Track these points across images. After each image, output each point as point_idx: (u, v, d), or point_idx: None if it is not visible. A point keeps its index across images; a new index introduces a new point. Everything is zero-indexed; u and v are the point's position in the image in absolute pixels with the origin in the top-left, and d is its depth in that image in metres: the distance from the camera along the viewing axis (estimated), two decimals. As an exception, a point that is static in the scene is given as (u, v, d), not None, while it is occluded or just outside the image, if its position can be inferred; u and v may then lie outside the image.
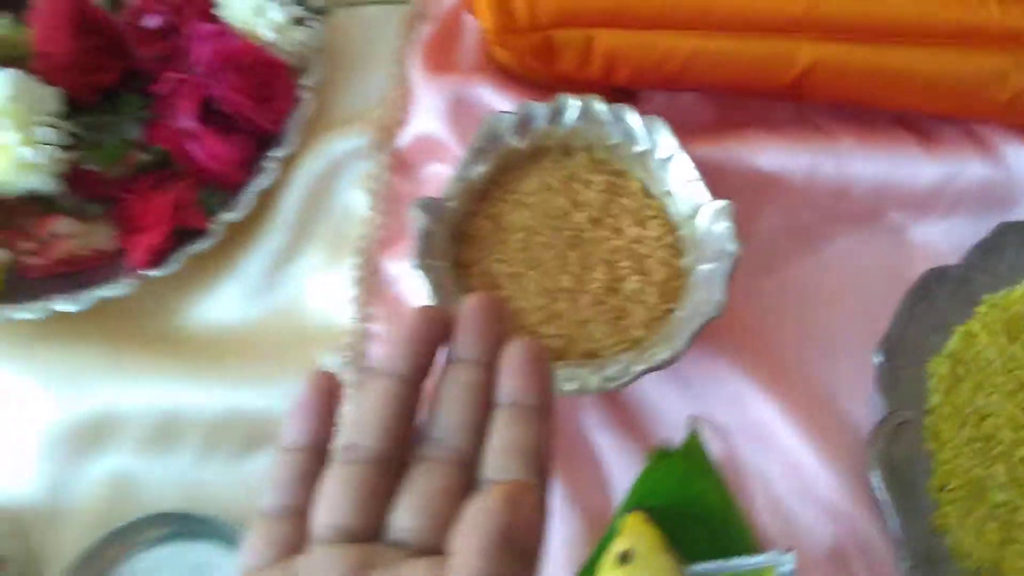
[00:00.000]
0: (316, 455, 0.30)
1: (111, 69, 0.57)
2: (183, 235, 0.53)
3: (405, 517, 0.27)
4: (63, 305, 0.52)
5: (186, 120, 0.54)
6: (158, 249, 0.53)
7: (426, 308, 0.31)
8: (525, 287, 0.51)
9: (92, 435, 0.51)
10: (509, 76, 0.57)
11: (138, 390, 0.52)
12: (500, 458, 0.28)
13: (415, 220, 0.51)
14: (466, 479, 0.28)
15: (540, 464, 0.28)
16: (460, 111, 0.56)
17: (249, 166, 0.56)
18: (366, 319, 0.53)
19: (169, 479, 0.51)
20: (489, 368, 0.30)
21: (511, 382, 0.29)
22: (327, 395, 0.30)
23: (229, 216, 0.54)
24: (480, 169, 0.53)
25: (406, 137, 0.58)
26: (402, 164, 0.57)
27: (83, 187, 0.54)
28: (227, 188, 0.55)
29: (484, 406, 0.29)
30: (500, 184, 0.54)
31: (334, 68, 0.59)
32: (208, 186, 0.55)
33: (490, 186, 0.54)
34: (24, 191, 0.53)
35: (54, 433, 0.51)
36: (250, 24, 0.56)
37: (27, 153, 0.51)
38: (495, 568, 0.25)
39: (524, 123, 0.54)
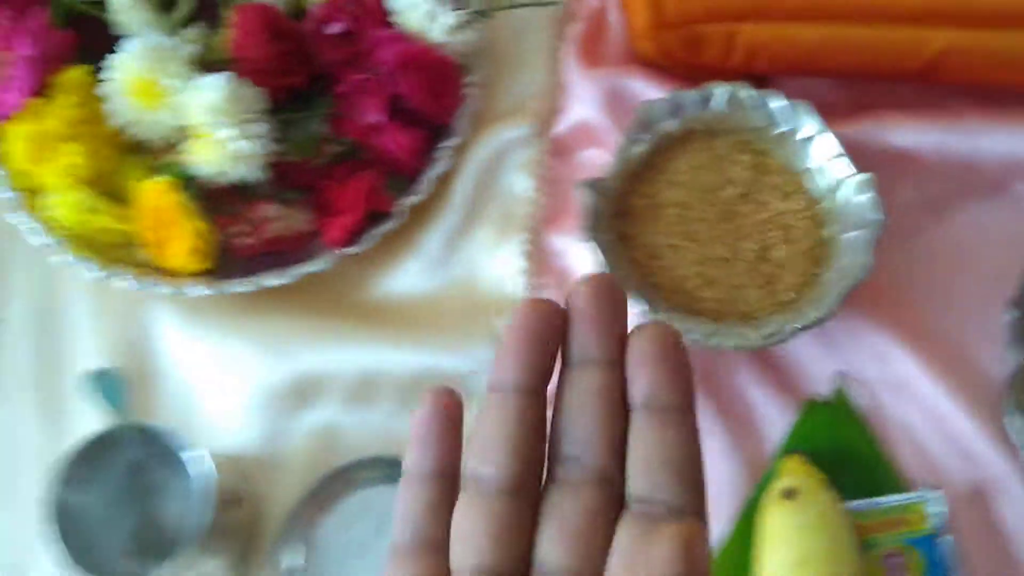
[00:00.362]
0: (446, 481, 0.27)
1: (299, 72, 0.64)
2: (372, 217, 0.60)
3: (554, 550, 0.24)
4: (272, 280, 0.59)
5: (374, 115, 0.61)
6: (353, 230, 0.60)
7: (535, 300, 0.26)
8: (683, 257, 0.57)
9: (301, 392, 0.59)
10: (654, 67, 0.63)
11: (339, 352, 0.59)
12: (650, 474, 0.25)
13: (582, 197, 0.57)
14: (612, 498, 0.25)
15: (694, 473, 0.25)
16: (613, 100, 0.62)
17: (426, 155, 0.62)
18: (536, 288, 0.60)
19: (369, 430, 0.58)
20: (616, 366, 0.26)
21: (645, 379, 0.25)
22: (449, 414, 0.27)
23: (411, 199, 0.61)
24: (637, 151, 0.59)
25: (563, 125, 0.64)
26: (561, 149, 0.63)
27: (285, 176, 0.61)
28: (408, 175, 0.62)
29: (619, 412, 0.25)
30: (654, 165, 0.60)
31: (495, 65, 0.65)
32: (391, 173, 0.62)
33: (645, 167, 0.59)
34: (235, 180, 0.60)
35: (269, 391, 0.59)
36: (423, 28, 0.62)
37: (241, 146, 0.58)
38: None
39: (675, 109, 0.59)
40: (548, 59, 0.66)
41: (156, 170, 0.62)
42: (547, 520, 0.25)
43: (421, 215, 0.62)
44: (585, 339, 0.26)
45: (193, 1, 0.66)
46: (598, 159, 0.62)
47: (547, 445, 0.26)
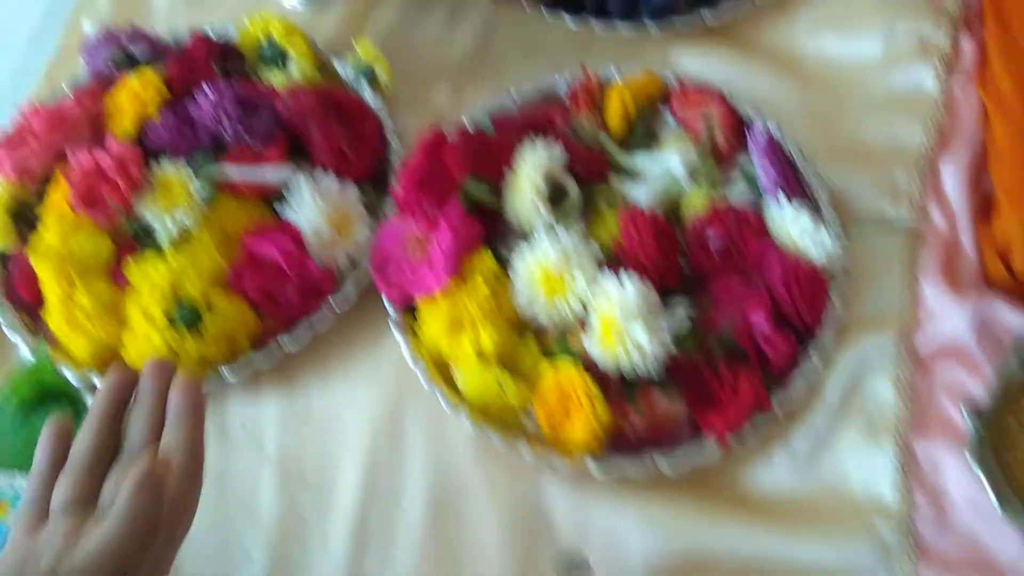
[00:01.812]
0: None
1: (676, 272, 0.71)
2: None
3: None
4: (664, 466, 0.65)
5: (758, 320, 0.67)
6: (736, 424, 0.65)
7: (117, 373, 0.54)
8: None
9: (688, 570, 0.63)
10: (1011, 291, 0.69)
11: (718, 539, 0.64)
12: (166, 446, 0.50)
13: (963, 418, 0.61)
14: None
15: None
16: (976, 322, 0.68)
17: (795, 357, 0.68)
18: (908, 494, 0.64)
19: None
20: (161, 397, 0.52)
21: (172, 403, 0.51)
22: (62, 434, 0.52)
23: (786, 399, 0.67)
24: (1014, 375, 0.64)
25: (923, 340, 0.69)
26: (922, 362, 0.68)
27: (679, 369, 0.67)
28: (779, 375, 0.68)
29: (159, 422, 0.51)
30: (1026, 389, 0.64)
31: (853, 277, 0.71)
32: (764, 372, 0.68)
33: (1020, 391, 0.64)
34: (630, 369, 0.66)
35: (656, 566, 0.63)
36: (799, 243, 0.69)
37: (645, 342, 0.65)
38: (138, 501, 0.46)
39: (1047, 340, 0.64)
40: (904, 275, 0.72)
41: (549, 352, 0.69)
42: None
43: (792, 413, 0.67)
44: (143, 387, 0.53)
45: (579, 197, 0.74)
46: (960, 375, 0.67)
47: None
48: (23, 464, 0.70)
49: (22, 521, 0.49)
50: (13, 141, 0.77)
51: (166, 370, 0.54)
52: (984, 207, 0.74)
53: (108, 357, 0.73)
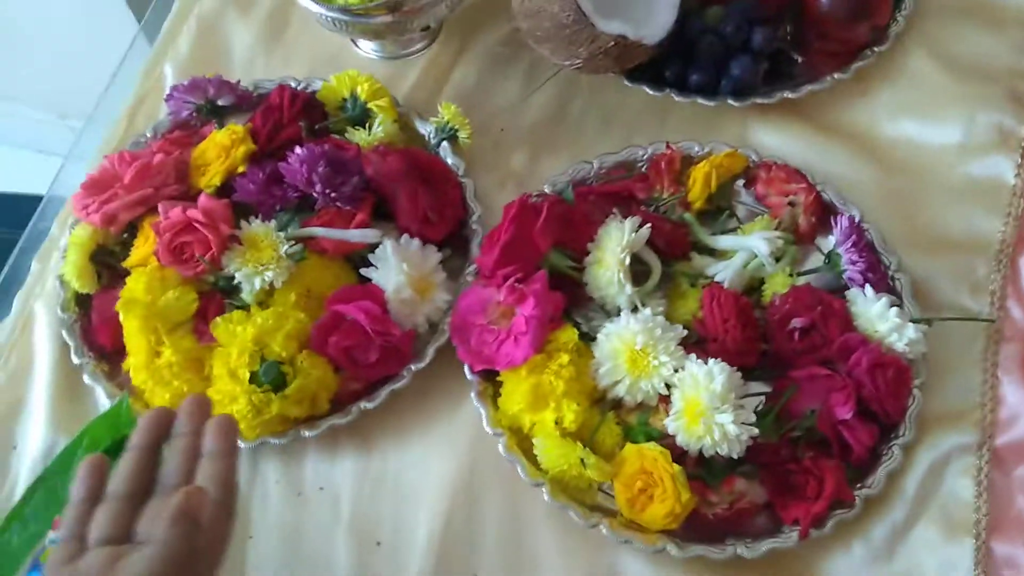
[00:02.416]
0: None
1: (754, 353, 0.72)
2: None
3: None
4: (743, 551, 0.65)
5: (843, 411, 0.67)
6: (819, 517, 0.66)
7: (157, 410, 0.56)
8: None
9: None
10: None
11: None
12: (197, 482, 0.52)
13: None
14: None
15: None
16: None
17: (876, 449, 0.69)
18: (987, 596, 0.64)
19: None
20: (197, 435, 0.54)
21: (207, 442, 0.53)
22: (99, 466, 0.54)
23: (866, 492, 0.67)
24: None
25: (1004, 439, 0.69)
26: (1001, 461, 0.69)
27: (756, 453, 0.68)
28: (858, 465, 0.68)
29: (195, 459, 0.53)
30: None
31: (933, 370, 0.72)
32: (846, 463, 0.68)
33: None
34: (712, 453, 0.67)
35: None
36: (884, 335, 0.70)
37: (732, 429, 0.65)
38: (177, 531, 0.48)
39: None
40: (985, 370, 0.72)
41: (627, 427, 0.70)
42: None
43: (870, 505, 0.68)
44: (180, 424, 0.55)
45: (660, 276, 0.75)
46: (1040, 477, 0.67)
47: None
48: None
49: (60, 554, 0.50)
50: (100, 188, 0.78)
51: (202, 409, 0.56)
52: (1064, 305, 0.74)
53: (188, 410, 0.74)
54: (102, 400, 0.77)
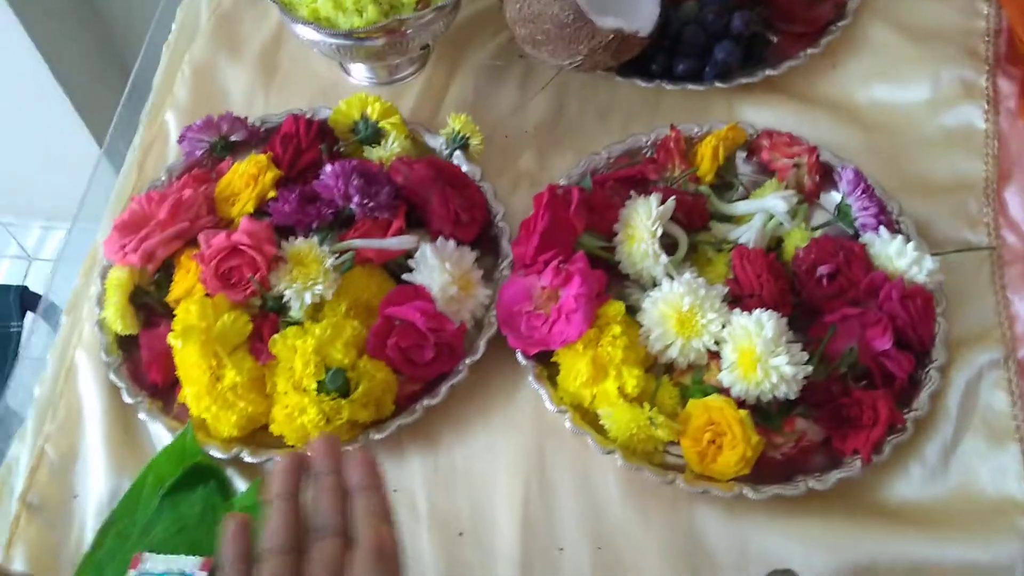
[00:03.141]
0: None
1: (789, 304, 0.76)
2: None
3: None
4: (815, 484, 0.69)
5: (881, 343, 0.72)
6: (877, 442, 0.70)
7: (286, 456, 0.53)
8: None
9: None
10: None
11: (877, 549, 0.68)
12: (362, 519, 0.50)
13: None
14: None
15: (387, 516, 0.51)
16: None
17: (914, 376, 0.74)
18: (1040, 495, 0.69)
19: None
20: (339, 474, 0.52)
21: (352, 477, 0.51)
22: (243, 526, 0.51)
23: (915, 414, 0.72)
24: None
25: (1025, 351, 0.75)
26: (1027, 370, 0.75)
27: (808, 393, 0.72)
28: (902, 392, 0.73)
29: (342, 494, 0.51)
30: None
31: (952, 298, 0.77)
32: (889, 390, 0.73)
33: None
34: (770, 398, 0.71)
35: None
36: (905, 271, 0.75)
37: (787, 370, 0.69)
38: (380, 571, 0.47)
39: None
40: (995, 294, 0.78)
41: (684, 388, 0.73)
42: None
43: (919, 427, 0.72)
44: (317, 464, 0.52)
45: (687, 246, 0.79)
46: (1064, 379, 0.73)
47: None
48: (177, 547, 0.70)
49: None
50: (133, 228, 0.79)
51: (335, 446, 0.54)
52: (1050, 228, 0.81)
53: (253, 431, 0.75)
54: (158, 437, 0.77)
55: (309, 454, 0.53)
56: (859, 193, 0.78)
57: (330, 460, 0.52)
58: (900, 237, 0.76)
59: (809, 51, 0.92)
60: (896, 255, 0.75)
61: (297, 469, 0.52)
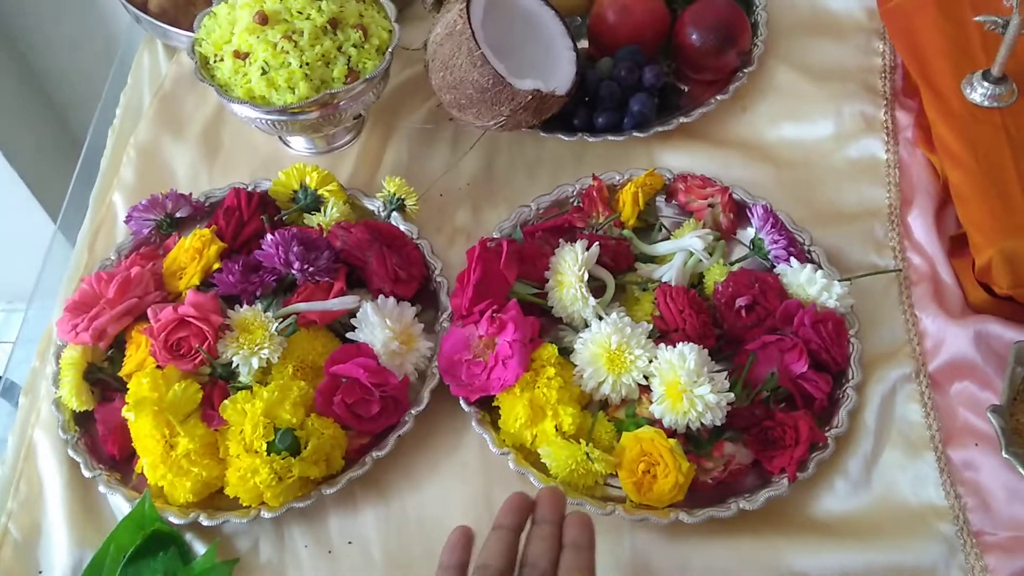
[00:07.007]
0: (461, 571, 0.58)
1: (712, 336, 0.81)
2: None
3: None
4: (744, 504, 0.73)
5: (799, 367, 0.77)
6: (800, 460, 0.74)
7: (518, 493, 0.62)
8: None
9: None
10: (995, 311, 0.81)
11: (810, 561, 0.72)
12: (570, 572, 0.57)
13: (992, 422, 0.72)
14: None
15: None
16: (977, 341, 0.79)
17: (832, 395, 0.78)
18: (955, 495, 0.74)
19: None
20: (557, 525, 0.59)
21: (570, 534, 0.59)
22: (467, 537, 0.60)
23: (835, 431, 0.76)
24: (1017, 378, 0.75)
25: (935, 363, 0.80)
26: (937, 382, 0.79)
27: (734, 418, 0.76)
28: (821, 411, 0.77)
29: (557, 545, 0.58)
30: (1030, 389, 0.76)
31: (862, 319, 0.83)
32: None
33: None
34: (697, 426, 0.75)
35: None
36: (816, 297, 0.80)
37: (711, 398, 0.74)
38: None
39: (1039, 343, 0.76)
40: (904, 313, 0.83)
41: (618, 423, 0.77)
42: None
43: (840, 444, 0.77)
44: (543, 510, 0.60)
45: (615, 287, 0.84)
46: (972, 388, 0.78)
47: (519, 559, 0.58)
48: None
49: None
50: (83, 307, 0.82)
51: (560, 499, 0.62)
52: (953, 247, 0.86)
53: (209, 495, 0.77)
54: (118, 508, 0.79)
55: (535, 499, 0.61)
56: (769, 227, 0.84)
57: (554, 512, 0.60)
58: (810, 266, 0.81)
59: (719, 97, 0.98)
60: (807, 283, 0.81)
61: (522, 509, 0.61)
